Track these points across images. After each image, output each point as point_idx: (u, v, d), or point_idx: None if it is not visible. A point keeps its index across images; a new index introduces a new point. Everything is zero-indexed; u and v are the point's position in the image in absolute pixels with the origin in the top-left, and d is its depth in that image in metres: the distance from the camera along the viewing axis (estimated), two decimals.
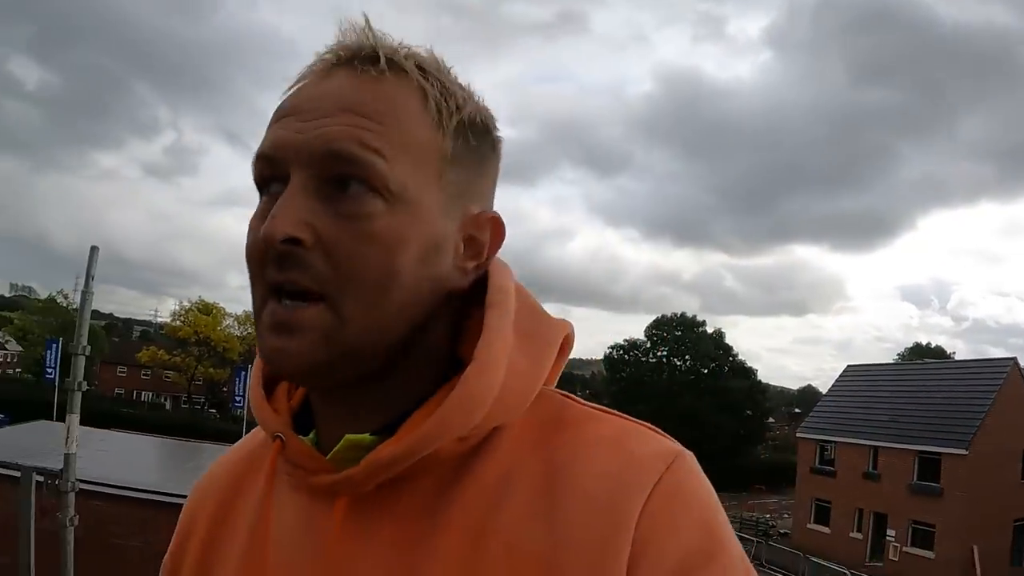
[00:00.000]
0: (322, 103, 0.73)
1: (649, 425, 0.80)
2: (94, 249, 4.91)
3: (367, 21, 0.77)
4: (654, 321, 68.52)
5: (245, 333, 65.85)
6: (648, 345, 67.88)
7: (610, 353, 69.79)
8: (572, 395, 0.84)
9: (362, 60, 0.75)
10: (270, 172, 0.74)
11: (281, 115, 0.75)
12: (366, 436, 0.75)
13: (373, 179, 0.71)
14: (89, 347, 4.86)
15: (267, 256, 0.71)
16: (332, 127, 0.71)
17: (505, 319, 0.78)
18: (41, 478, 5.01)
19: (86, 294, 4.86)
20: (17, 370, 77.67)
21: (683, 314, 68.42)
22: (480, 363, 0.74)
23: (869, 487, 34.12)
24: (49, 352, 45.61)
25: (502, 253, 0.84)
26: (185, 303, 66.71)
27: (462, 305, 0.82)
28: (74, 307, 68.08)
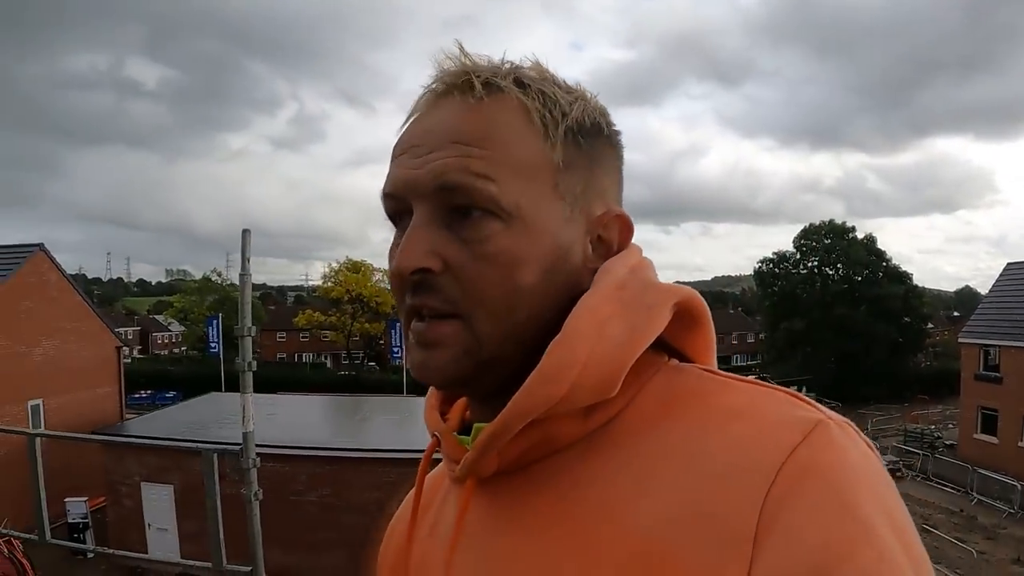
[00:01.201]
0: (429, 137, 0.78)
1: (791, 391, 0.75)
2: (246, 232, 5.03)
3: (461, 48, 0.81)
4: (802, 231, 65.10)
5: None
6: (798, 256, 64.46)
7: (760, 267, 66.67)
8: (713, 368, 0.83)
9: (461, 88, 0.79)
10: (397, 207, 0.81)
11: (398, 153, 0.81)
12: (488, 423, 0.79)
13: (486, 203, 0.76)
14: (255, 327, 5.04)
15: (405, 285, 0.78)
16: (441, 160, 0.76)
17: (596, 295, 0.78)
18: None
19: (244, 277, 5.01)
20: (183, 348, 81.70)
21: (831, 221, 64.80)
22: (561, 336, 0.75)
23: None
24: (211, 328, 47.87)
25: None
26: (334, 264, 68.17)
27: None
28: (228, 283, 70.93)
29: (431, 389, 0.91)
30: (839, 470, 0.65)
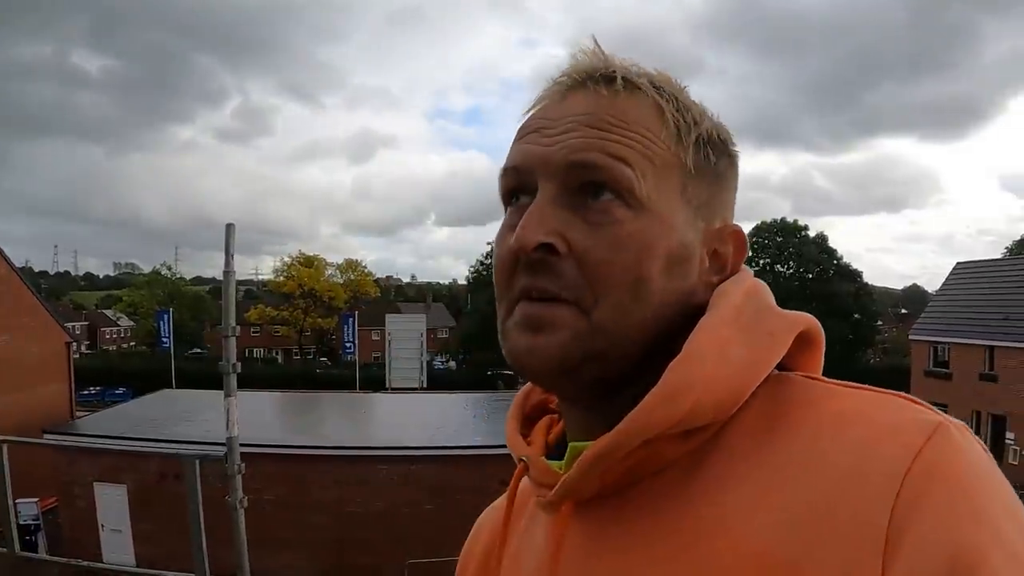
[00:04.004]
0: (563, 120, 0.76)
1: (906, 395, 0.72)
2: (230, 227, 4.87)
3: (596, 43, 0.80)
4: (754, 228, 65.13)
5: (348, 280, 68.08)
6: (750, 254, 65.57)
7: None
8: (820, 376, 0.80)
9: (596, 80, 0.77)
10: (517, 183, 0.78)
11: (525, 133, 0.79)
12: (587, 443, 0.75)
13: (620, 187, 0.73)
14: (237, 327, 4.87)
15: (518, 264, 0.75)
16: (578, 138, 0.74)
17: (716, 317, 0.75)
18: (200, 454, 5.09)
19: (228, 274, 4.84)
20: (132, 344, 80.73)
21: (783, 219, 65.97)
22: (682, 357, 0.72)
23: (986, 388, 32.86)
24: (161, 323, 46.98)
25: None
26: (286, 258, 68.33)
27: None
28: (178, 276, 70.39)
29: (510, 413, 0.90)
30: (964, 473, 0.64)
